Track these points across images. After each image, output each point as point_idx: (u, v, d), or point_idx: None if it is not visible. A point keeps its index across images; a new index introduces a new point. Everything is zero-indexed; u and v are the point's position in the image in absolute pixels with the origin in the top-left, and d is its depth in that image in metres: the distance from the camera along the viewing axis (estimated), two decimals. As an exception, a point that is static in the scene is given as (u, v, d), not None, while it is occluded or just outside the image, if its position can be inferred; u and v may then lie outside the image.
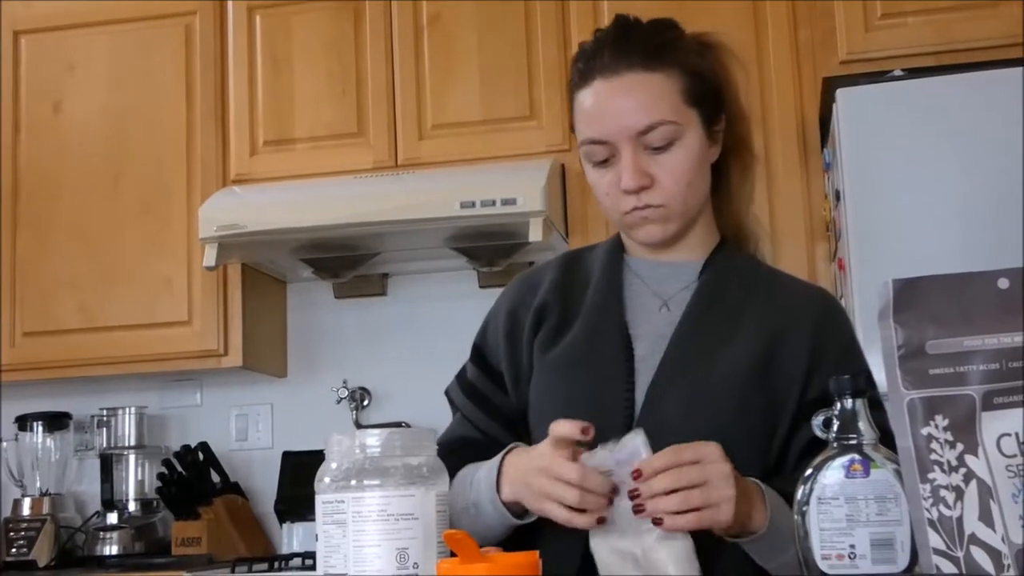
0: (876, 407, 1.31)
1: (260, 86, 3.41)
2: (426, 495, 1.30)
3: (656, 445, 1.30)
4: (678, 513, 1.24)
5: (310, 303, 3.66)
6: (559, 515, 1.33)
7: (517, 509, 1.45)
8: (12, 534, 3.34)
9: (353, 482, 1.29)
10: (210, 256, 3.15)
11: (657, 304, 1.58)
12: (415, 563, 1.26)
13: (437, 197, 3.08)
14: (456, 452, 1.54)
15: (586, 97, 1.51)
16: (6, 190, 3.49)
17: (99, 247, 3.42)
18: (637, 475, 1.26)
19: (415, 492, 1.29)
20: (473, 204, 3.00)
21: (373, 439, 1.32)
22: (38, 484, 3.48)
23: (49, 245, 3.46)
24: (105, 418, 3.52)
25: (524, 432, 1.60)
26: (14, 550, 3.31)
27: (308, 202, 3.17)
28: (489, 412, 1.65)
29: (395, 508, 1.28)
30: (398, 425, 3.36)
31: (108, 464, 3.44)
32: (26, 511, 3.42)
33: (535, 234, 3.00)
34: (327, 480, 1.32)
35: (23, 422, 3.51)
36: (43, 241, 3.46)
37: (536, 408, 1.58)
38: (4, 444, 3.50)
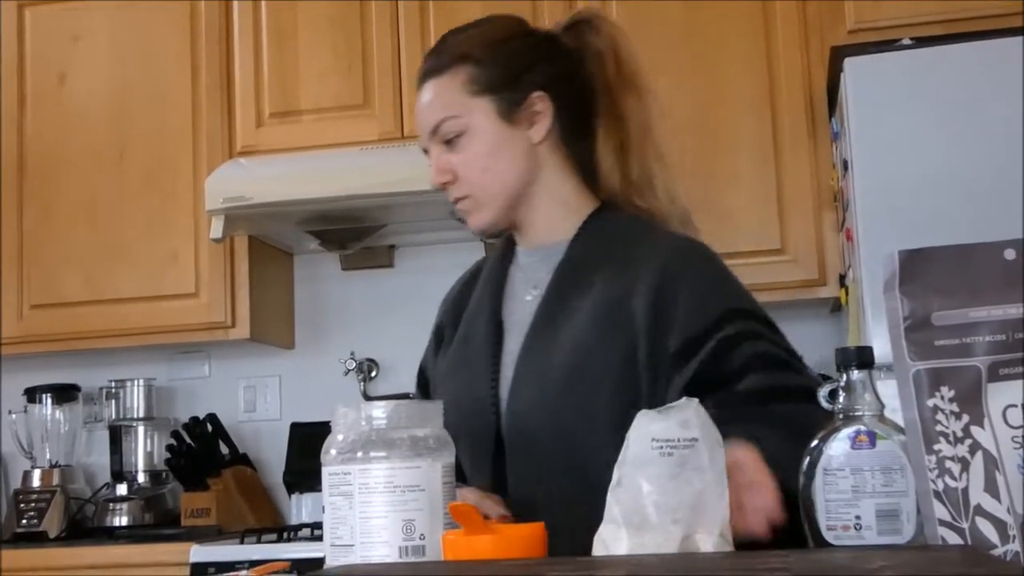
0: (754, 338, 1.44)
1: (266, 58, 3.39)
2: (432, 467, 1.30)
3: (521, 427, 1.43)
4: None
5: (317, 275, 3.66)
6: None
7: None
8: (23, 505, 3.36)
9: (359, 454, 1.29)
10: (216, 228, 3.15)
11: (530, 291, 1.60)
12: (421, 534, 1.27)
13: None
14: None
15: None
16: (12, 163, 3.49)
17: (105, 220, 3.42)
18: None
19: (421, 464, 1.29)
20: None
21: (379, 411, 1.32)
22: (48, 456, 3.50)
23: (55, 218, 3.46)
24: (114, 390, 3.53)
25: None
26: (24, 521, 3.33)
27: (314, 174, 3.16)
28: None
29: (401, 480, 1.28)
30: (405, 397, 3.36)
31: (117, 436, 3.46)
32: (36, 483, 3.44)
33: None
34: (333, 452, 1.32)
35: (32, 394, 3.53)
36: (49, 214, 3.46)
37: None
38: (13, 416, 3.51)
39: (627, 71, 1.63)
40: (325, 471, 1.32)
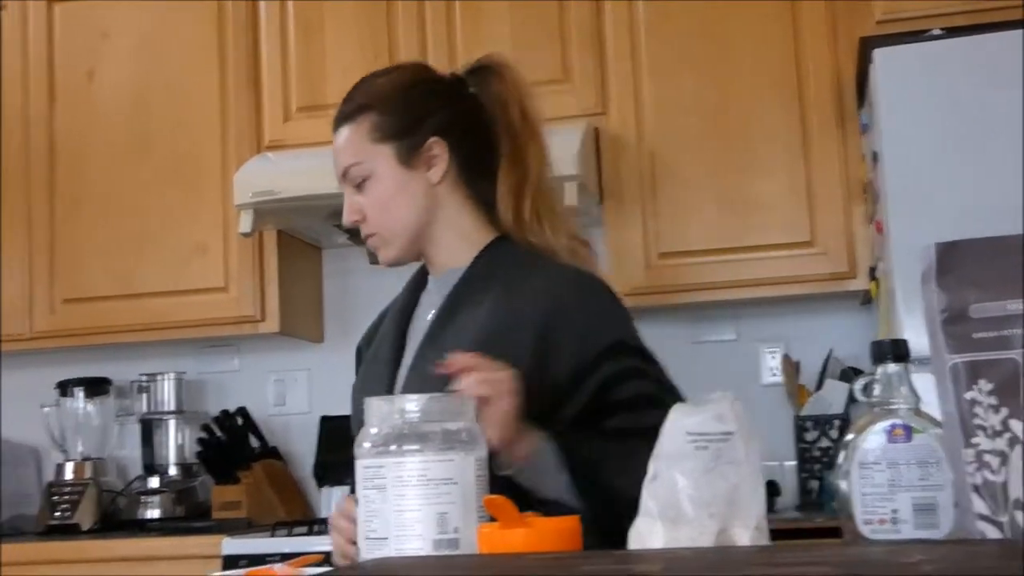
0: (628, 377, 1.55)
1: (292, 53, 3.41)
2: (465, 460, 1.30)
3: None
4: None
5: (345, 268, 3.67)
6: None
7: None
8: (55, 498, 3.39)
9: (393, 447, 1.30)
10: (245, 222, 3.17)
11: (430, 312, 1.71)
12: (455, 527, 1.27)
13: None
14: None
15: None
16: (41, 158, 3.52)
17: (134, 215, 3.44)
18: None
19: (454, 457, 1.30)
20: (507, 168, 2.99)
21: (412, 404, 1.32)
22: (80, 449, 3.53)
23: (85, 213, 3.48)
24: (145, 383, 3.55)
25: None
26: (58, 513, 3.36)
27: (342, 168, 3.17)
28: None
29: (435, 473, 1.29)
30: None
31: (148, 429, 3.48)
32: (69, 475, 3.47)
33: (569, 199, 2.99)
34: (367, 445, 1.33)
35: (64, 388, 3.56)
36: (79, 209, 3.49)
37: None
38: (46, 409, 3.54)
39: (530, 118, 1.72)
40: (358, 464, 1.33)
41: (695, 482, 0.99)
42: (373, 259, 1.78)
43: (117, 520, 3.44)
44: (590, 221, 3.37)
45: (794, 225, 3.10)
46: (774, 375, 3.34)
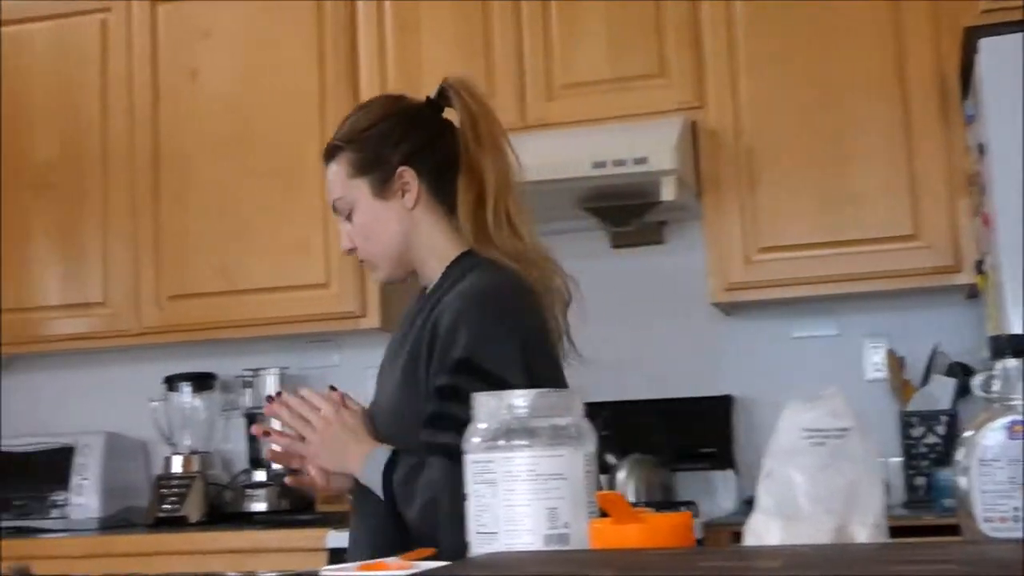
0: (448, 397, 1.68)
1: (390, 50, 3.44)
2: (574, 455, 1.31)
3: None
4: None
5: (443, 265, 3.69)
6: None
7: None
8: (164, 491, 3.47)
9: (502, 442, 1.31)
10: (346, 220, 3.20)
11: None
12: (565, 522, 1.28)
13: (568, 157, 3.07)
14: None
15: None
16: (147, 157, 3.60)
17: (237, 212, 3.50)
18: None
19: (564, 452, 1.30)
20: (604, 164, 2.99)
21: (520, 400, 1.33)
22: (187, 442, 3.60)
23: (189, 210, 3.55)
24: (249, 378, 3.61)
25: None
26: (167, 506, 3.44)
27: (440, 165, 3.19)
28: None
29: (544, 468, 1.29)
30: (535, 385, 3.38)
31: (253, 423, 3.54)
32: (177, 468, 3.54)
33: (667, 193, 2.98)
34: (476, 440, 1.34)
35: (171, 382, 3.63)
36: (183, 206, 3.56)
37: None
38: (154, 404, 3.62)
39: (484, 133, 1.83)
40: (468, 458, 1.34)
41: (811, 478, 0.99)
42: None
43: (223, 513, 3.50)
44: (688, 215, 3.35)
45: (896, 218, 3.05)
46: (878, 371, 3.29)
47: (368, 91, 3.44)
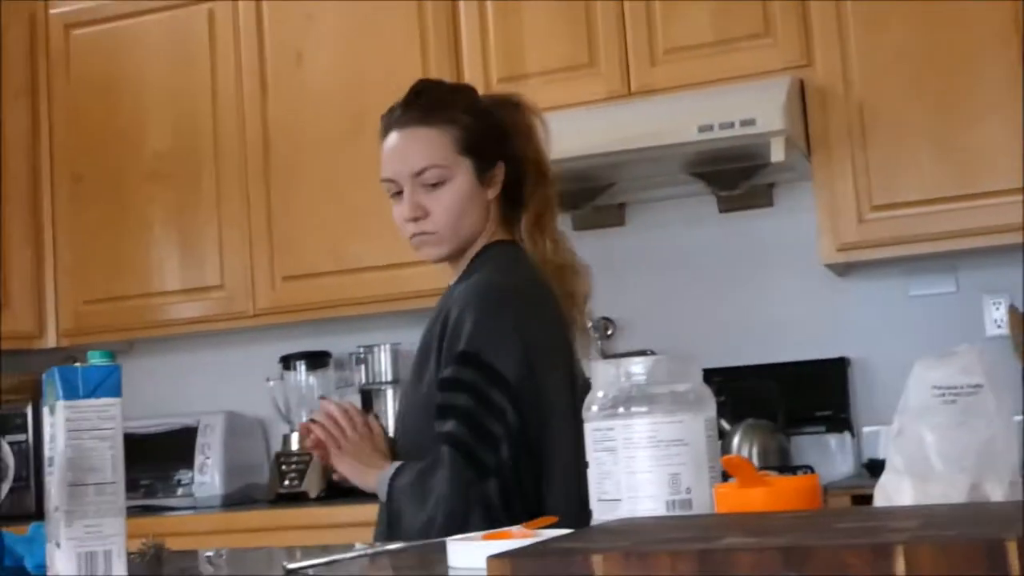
0: (451, 388, 1.78)
1: (491, 24, 3.43)
2: (695, 420, 1.31)
3: (398, 433, 1.95)
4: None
5: (550, 236, 3.69)
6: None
7: None
8: (284, 467, 3.53)
9: (621, 409, 1.31)
10: (451, 195, 3.22)
11: None
12: (688, 487, 1.28)
13: (674, 122, 3.05)
14: None
15: (385, 145, 1.96)
16: (257, 142, 3.66)
17: (345, 191, 3.54)
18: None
19: (683, 418, 1.30)
20: (711, 127, 2.96)
21: (638, 367, 1.33)
22: (304, 419, 3.65)
23: (299, 191, 3.61)
24: (363, 355, 3.66)
25: None
26: (287, 482, 3.50)
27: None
28: None
29: (665, 434, 1.29)
30: (643, 354, 3.37)
31: (368, 399, 3.59)
32: (295, 445, 3.61)
33: (777, 154, 2.94)
34: (595, 408, 1.34)
35: (287, 361, 3.69)
36: (293, 188, 3.61)
37: None
38: (271, 383, 3.68)
39: (544, 154, 1.99)
40: (587, 427, 1.34)
41: (943, 436, 0.97)
42: None
43: (341, 488, 3.54)
44: (797, 176, 3.30)
45: (1014, 170, 2.96)
46: (999, 327, 3.21)
47: (470, 62, 3.45)
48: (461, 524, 1.65)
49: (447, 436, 1.76)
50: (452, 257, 1.94)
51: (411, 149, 1.91)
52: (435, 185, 1.89)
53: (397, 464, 1.84)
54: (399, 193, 1.93)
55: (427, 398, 1.83)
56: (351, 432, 1.89)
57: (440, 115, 1.91)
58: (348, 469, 1.89)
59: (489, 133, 1.93)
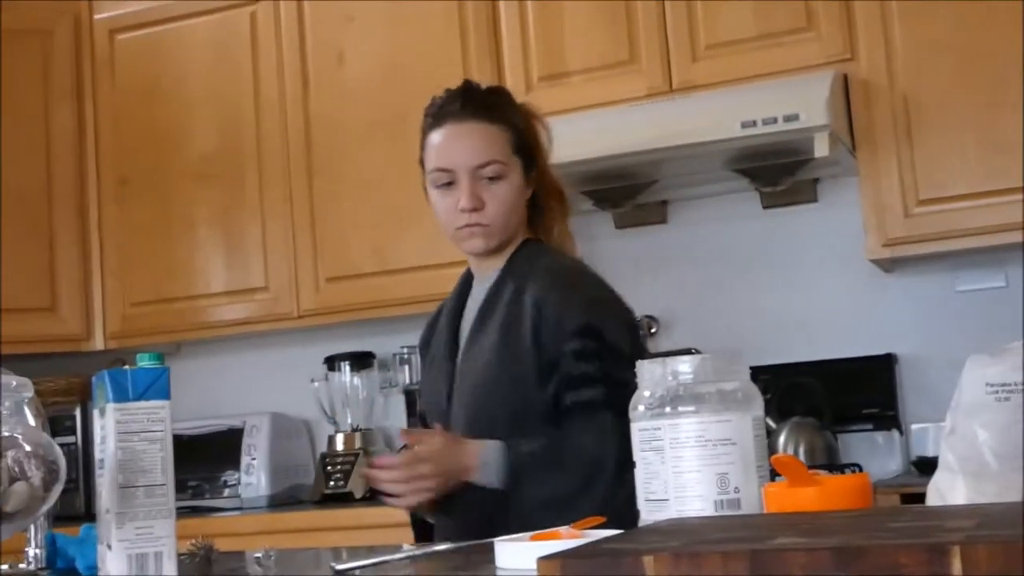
0: (581, 358, 1.84)
1: (531, 22, 3.43)
2: (742, 419, 1.30)
3: (457, 425, 1.93)
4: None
5: (592, 234, 3.67)
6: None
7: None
8: (329, 468, 3.55)
9: (668, 409, 1.30)
10: (489, 195, 3.22)
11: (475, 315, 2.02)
12: (736, 487, 1.27)
13: (716, 119, 3.03)
14: None
15: (438, 136, 2.03)
16: (299, 143, 3.68)
17: (388, 192, 3.55)
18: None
19: (731, 417, 1.29)
20: (754, 123, 2.94)
21: (685, 366, 1.32)
22: (349, 420, 3.68)
23: (342, 193, 3.62)
24: (406, 356, 3.67)
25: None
26: (332, 483, 3.52)
27: (586, 135, 3.18)
28: None
29: (712, 434, 1.28)
30: (688, 352, 3.35)
31: (412, 400, 3.60)
32: (340, 446, 3.62)
33: (821, 149, 2.92)
34: (641, 408, 1.33)
35: (331, 362, 3.71)
36: (336, 189, 3.63)
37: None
38: (316, 384, 3.70)
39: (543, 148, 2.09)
40: (634, 426, 1.34)
41: (998, 434, 0.95)
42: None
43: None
44: (842, 171, 3.27)
45: (1051, 164, 2.92)
46: (1048, 322, 3.17)
47: (511, 60, 3.45)
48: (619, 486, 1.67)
49: (590, 404, 1.83)
50: (495, 251, 2.01)
51: (476, 143, 1.98)
52: (492, 179, 1.97)
53: (492, 442, 1.84)
54: (449, 184, 2.00)
55: (523, 372, 1.88)
56: (423, 449, 1.84)
57: (500, 115, 2.01)
58: (446, 470, 1.82)
59: (530, 138, 2.05)
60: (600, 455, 1.78)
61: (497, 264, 2.02)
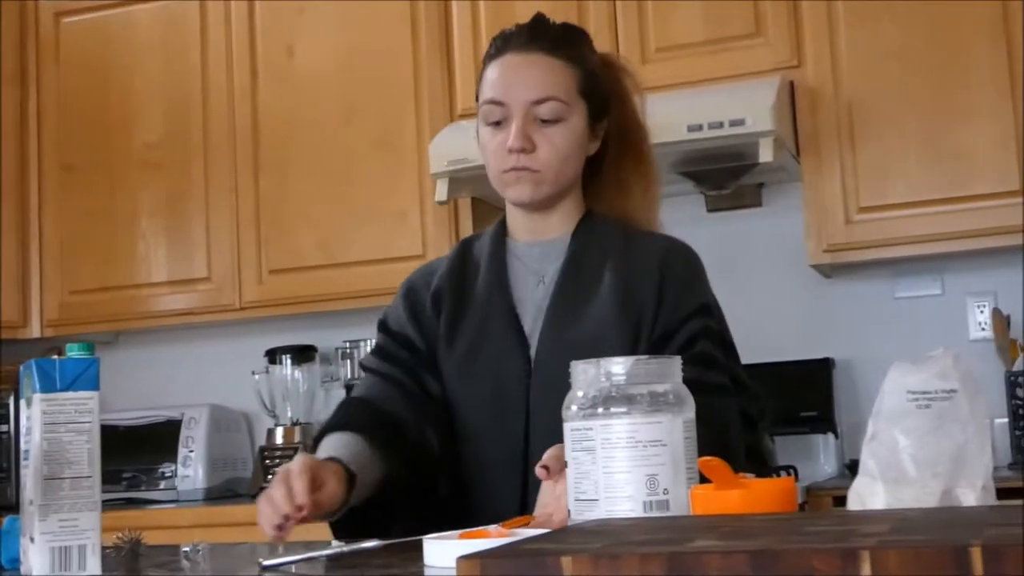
0: (707, 336, 1.69)
1: (483, 18, 3.43)
2: (673, 422, 1.30)
3: (549, 399, 1.49)
4: None
5: (538, 233, 3.69)
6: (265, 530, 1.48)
7: None
8: (268, 461, 3.53)
9: (600, 409, 1.31)
10: (441, 191, 3.22)
11: (535, 281, 1.77)
12: (665, 489, 1.27)
13: (663, 121, 3.01)
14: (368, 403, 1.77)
15: (497, 65, 1.75)
16: (246, 134, 3.65)
17: (335, 185, 3.54)
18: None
19: (662, 419, 1.30)
20: (700, 127, 2.96)
21: (618, 367, 1.33)
22: (289, 414, 3.66)
23: (288, 185, 3.60)
24: (348, 350, 3.66)
25: (430, 379, 1.77)
26: (270, 476, 3.48)
27: (534, 133, 3.17)
28: (392, 362, 1.81)
29: (643, 435, 1.29)
30: (630, 351, 3.37)
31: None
32: (279, 440, 3.61)
33: (765, 155, 2.94)
34: (574, 408, 1.34)
35: (272, 355, 3.69)
36: (283, 181, 3.61)
37: (452, 395, 1.76)
38: (256, 376, 3.68)
39: (641, 123, 1.85)
40: (567, 427, 1.34)
41: (917, 441, 0.97)
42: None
43: (326, 482, 3.55)
44: (786, 176, 3.30)
45: (1003, 174, 2.97)
46: (983, 330, 3.22)
47: (461, 58, 3.44)
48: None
49: (720, 387, 1.69)
50: (544, 204, 1.77)
51: (536, 75, 1.72)
52: (548, 121, 1.72)
53: None
54: (499, 123, 1.74)
55: (636, 345, 1.68)
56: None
57: (569, 50, 1.75)
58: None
59: (605, 83, 1.79)
60: (737, 445, 1.66)
61: (555, 224, 1.79)
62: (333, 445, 1.67)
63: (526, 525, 1.29)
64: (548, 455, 1.43)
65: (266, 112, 3.65)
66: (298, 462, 1.52)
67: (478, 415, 1.72)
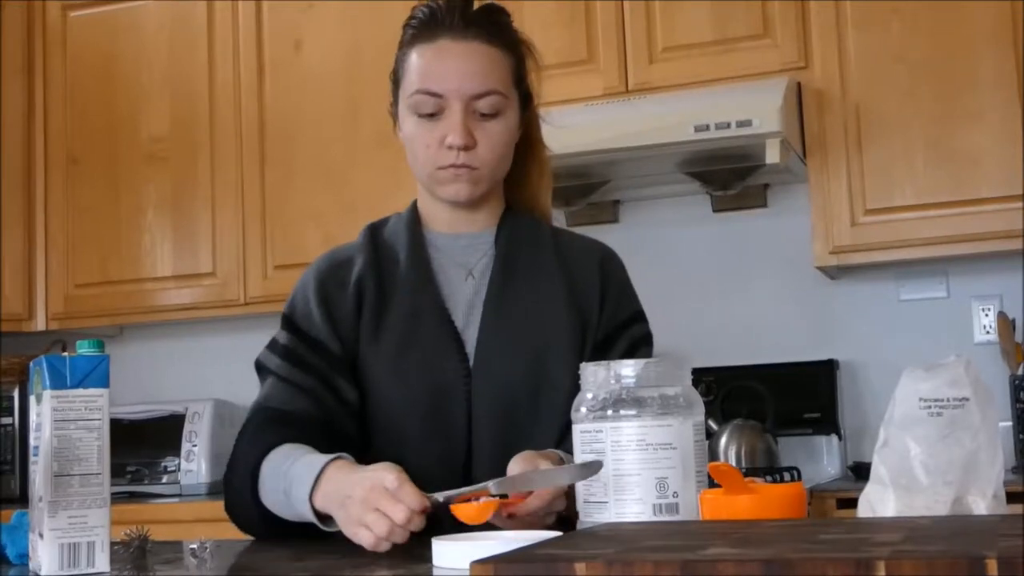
0: (647, 343, 1.70)
1: (489, 17, 3.42)
2: (683, 425, 1.30)
3: (493, 400, 1.57)
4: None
5: (543, 231, 3.69)
6: (366, 540, 1.32)
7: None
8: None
9: (610, 412, 1.31)
10: (446, 189, 3.21)
11: (463, 275, 1.68)
12: (675, 492, 1.27)
13: (670, 121, 3.04)
14: (278, 418, 1.61)
15: (428, 52, 1.61)
16: (253, 128, 3.65)
17: (341, 180, 3.54)
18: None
19: (672, 422, 1.30)
20: (707, 127, 2.96)
21: (628, 369, 1.33)
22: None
23: (294, 180, 3.60)
24: (352, 346, 3.65)
25: (346, 386, 1.62)
26: (274, 472, 3.49)
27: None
28: (306, 369, 1.66)
29: (653, 438, 1.29)
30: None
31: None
32: (283, 435, 3.60)
33: (772, 156, 2.94)
34: (583, 410, 1.34)
35: (277, 351, 3.68)
36: (288, 176, 3.61)
37: (376, 395, 1.63)
38: (260, 372, 3.67)
39: (534, 103, 1.72)
40: (576, 428, 1.34)
41: (929, 449, 0.97)
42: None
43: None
44: (792, 178, 3.30)
45: (1009, 177, 2.97)
46: (988, 333, 3.22)
47: (467, 58, 3.44)
48: None
49: None
50: (476, 204, 1.67)
51: (477, 67, 1.59)
52: (486, 116, 1.59)
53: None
54: (433, 115, 1.60)
55: (581, 343, 1.64)
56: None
57: (504, 37, 1.63)
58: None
59: (526, 73, 1.67)
60: None
61: (481, 218, 1.70)
62: (305, 452, 1.50)
63: (499, 509, 1.29)
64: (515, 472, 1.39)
65: (272, 107, 3.65)
66: (383, 466, 1.36)
67: (411, 418, 1.59)
